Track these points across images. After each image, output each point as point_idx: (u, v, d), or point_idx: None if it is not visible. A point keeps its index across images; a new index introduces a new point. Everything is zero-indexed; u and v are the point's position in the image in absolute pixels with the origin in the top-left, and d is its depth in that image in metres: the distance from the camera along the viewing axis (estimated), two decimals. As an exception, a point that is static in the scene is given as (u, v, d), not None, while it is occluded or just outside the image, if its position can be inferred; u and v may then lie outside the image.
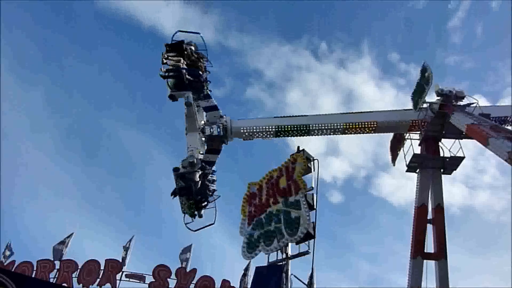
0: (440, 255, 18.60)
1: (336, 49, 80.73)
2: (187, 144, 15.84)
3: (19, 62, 60.57)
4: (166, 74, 15.72)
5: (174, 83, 15.80)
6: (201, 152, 16.68)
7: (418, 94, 18.87)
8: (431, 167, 19.40)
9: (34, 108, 58.64)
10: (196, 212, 14.61)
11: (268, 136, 18.15)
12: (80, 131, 63.48)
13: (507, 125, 18.46)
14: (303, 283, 8.30)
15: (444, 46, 74.13)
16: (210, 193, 16.54)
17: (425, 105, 18.71)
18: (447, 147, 19.31)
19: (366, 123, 18.22)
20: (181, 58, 15.88)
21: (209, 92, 18.06)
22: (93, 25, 65.28)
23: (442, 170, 19.50)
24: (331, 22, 76.76)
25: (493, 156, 16.33)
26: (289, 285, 8.11)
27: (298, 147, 9.90)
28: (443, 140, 19.33)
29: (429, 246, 19.17)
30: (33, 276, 21.71)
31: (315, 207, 8.85)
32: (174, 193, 14.60)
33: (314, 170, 9.54)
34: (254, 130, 18.10)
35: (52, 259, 23.23)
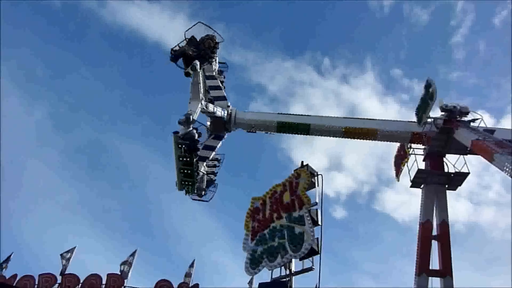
0: (446, 272, 18.33)
1: (339, 64, 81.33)
2: (188, 110, 16.42)
3: (26, 78, 61.49)
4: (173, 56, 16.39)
5: (184, 62, 16.65)
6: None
7: (422, 109, 18.88)
8: (436, 183, 19.30)
9: (38, 123, 59.11)
10: (187, 186, 15.32)
11: (270, 130, 18.63)
12: (84, 146, 63.89)
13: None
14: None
15: (447, 62, 74.49)
16: (212, 180, 17.76)
17: (429, 120, 18.71)
18: (452, 162, 19.24)
19: (367, 130, 18.24)
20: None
21: (221, 84, 19.35)
22: (98, 41, 66.29)
23: (446, 186, 19.39)
24: (334, 38, 77.59)
25: (497, 172, 16.24)
26: (292, 301, 7.98)
27: (302, 162, 9.88)
28: (447, 155, 19.28)
29: (434, 263, 18.95)
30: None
31: (319, 222, 8.78)
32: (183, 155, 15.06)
33: (318, 185, 9.48)
34: (257, 123, 18.72)
35: (53, 273, 23.10)
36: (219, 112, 18.04)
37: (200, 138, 17.41)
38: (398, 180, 21.98)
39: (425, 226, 19.06)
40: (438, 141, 18.05)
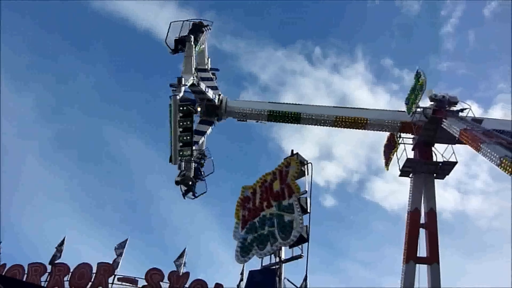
0: (433, 259, 18.69)
1: (330, 54, 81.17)
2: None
3: (11, 65, 60.29)
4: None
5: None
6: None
7: (412, 99, 19.02)
8: (424, 172, 19.55)
9: (25, 113, 58.21)
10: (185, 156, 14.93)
11: (261, 119, 18.71)
12: (73, 136, 63.21)
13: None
14: (296, 286, 8.26)
15: (437, 52, 74.92)
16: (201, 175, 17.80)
17: (418, 110, 18.87)
18: (440, 152, 19.50)
19: (356, 119, 18.35)
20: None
21: (212, 75, 19.50)
22: (87, 27, 65.16)
23: (435, 175, 19.67)
24: (325, 27, 77.33)
25: (485, 161, 16.55)
26: (282, 288, 8.07)
27: (292, 151, 9.92)
28: (436, 145, 19.52)
29: (422, 251, 19.30)
30: (24, 280, 21.46)
31: (308, 210, 8.85)
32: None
33: (307, 174, 9.54)
34: (248, 112, 18.76)
35: (43, 263, 23.01)
36: (211, 93, 18.11)
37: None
38: (387, 169, 22.20)
39: (413, 214, 19.35)
40: (427, 131, 18.23)
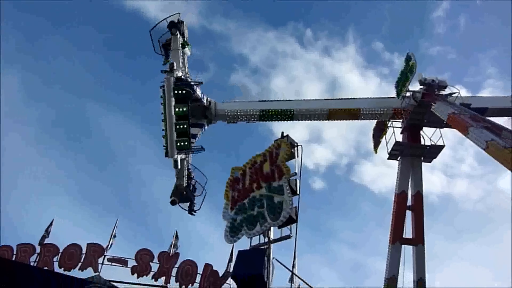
0: (418, 240, 19.16)
1: (321, 36, 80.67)
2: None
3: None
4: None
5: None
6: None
7: (402, 82, 19.11)
8: (412, 155, 19.82)
9: (9, 93, 57.03)
10: (182, 146, 14.02)
11: (252, 119, 18.13)
12: (61, 116, 62.26)
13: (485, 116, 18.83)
14: (285, 266, 8.43)
15: (428, 37, 74.94)
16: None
17: (408, 94, 18.99)
18: (428, 135, 19.73)
19: (350, 110, 18.19)
20: None
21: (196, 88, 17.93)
22: (73, 7, 63.49)
23: (422, 158, 19.96)
24: (317, 9, 76.56)
25: (471, 146, 16.82)
26: (270, 268, 8.21)
27: (282, 133, 9.92)
28: (424, 128, 19.73)
29: (408, 232, 19.75)
30: (13, 259, 21.46)
31: (298, 192, 8.93)
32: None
33: (297, 156, 9.58)
34: (238, 114, 18.11)
35: (32, 243, 22.99)
36: (199, 92, 16.91)
37: None
38: (376, 153, 22.47)
39: (400, 196, 19.70)
40: (416, 115, 18.40)
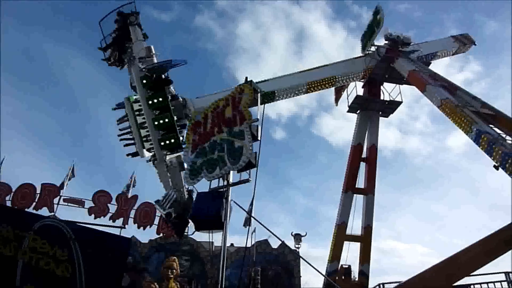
0: (369, 190, 20.31)
1: (292, -17, 78.15)
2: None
3: None
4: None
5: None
6: None
7: (368, 36, 19.16)
8: (371, 109, 20.41)
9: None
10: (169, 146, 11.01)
11: None
12: (15, 56, 57.95)
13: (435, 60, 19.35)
14: (243, 209, 8.70)
15: (397, -7, 74.65)
16: None
17: (373, 48, 19.14)
18: (388, 91, 20.27)
19: (327, 79, 17.75)
20: None
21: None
22: None
23: (380, 113, 20.62)
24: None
25: (426, 104, 17.69)
26: (228, 210, 8.44)
27: (246, 78, 9.76)
28: (384, 84, 20.20)
29: (360, 182, 20.85)
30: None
31: (258, 138, 8.99)
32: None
33: (260, 103, 9.56)
34: None
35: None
36: (172, 88, 13.96)
37: None
38: (337, 105, 22.89)
39: (356, 148, 20.51)
40: (378, 69, 18.68)
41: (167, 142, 10.78)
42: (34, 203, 22.28)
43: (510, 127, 12.95)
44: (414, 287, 6.73)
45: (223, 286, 7.89)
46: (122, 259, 8.39)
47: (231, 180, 8.95)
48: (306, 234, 22.19)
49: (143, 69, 11.00)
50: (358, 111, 20.61)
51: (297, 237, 21.87)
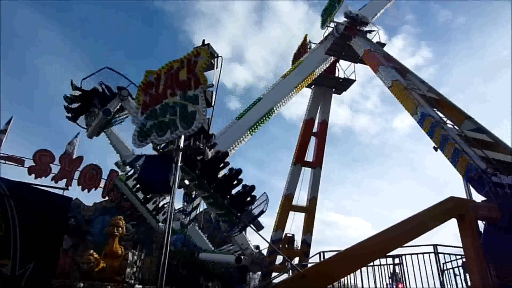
0: (317, 164, 20.95)
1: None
2: None
3: None
4: None
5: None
6: None
7: (328, 12, 19.22)
8: (325, 85, 20.76)
9: None
10: None
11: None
12: None
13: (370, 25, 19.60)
14: (192, 174, 8.60)
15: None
16: None
17: (332, 25, 19.26)
18: (343, 68, 20.67)
19: (310, 76, 17.41)
20: None
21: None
22: None
23: (333, 90, 21.04)
24: None
25: (377, 85, 18.35)
26: (177, 174, 8.31)
27: (203, 41, 9.45)
28: (340, 62, 20.54)
29: (309, 156, 21.44)
30: None
31: (212, 104, 8.84)
32: None
33: (216, 67, 9.31)
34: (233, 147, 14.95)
35: None
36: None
37: None
38: (293, 78, 22.95)
39: (308, 123, 20.92)
40: (335, 46, 18.87)
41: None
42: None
43: (451, 112, 13.72)
44: (352, 253, 7.12)
45: (167, 251, 7.86)
46: (63, 220, 8.03)
47: (181, 144, 8.77)
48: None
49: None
50: (313, 86, 20.88)
51: (245, 206, 22.22)
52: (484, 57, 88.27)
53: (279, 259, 19.55)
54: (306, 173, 21.32)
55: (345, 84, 20.45)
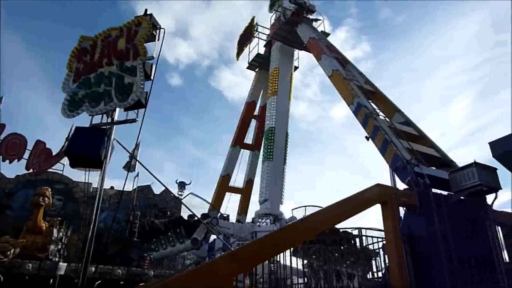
0: (256, 147, 21.17)
1: None
2: None
3: None
4: None
5: None
6: None
7: (277, -4, 19.20)
8: (269, 69, 20.84)
9: None
10: None
11: None
12: None
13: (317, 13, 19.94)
14: (126, 149, 8.23)
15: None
16: None
17: (279, 9, 19.28)
18: (287, 54, 20.80)
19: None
20: None
21: None
22: None
23: (277, 74, 21.19)
24: None
25: (318, 74, 18.72)
26: (109, 149, 7.92)
27: (146, 10, 8.96)
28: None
29: (249, 139, 21.60)
30: None
31: (152, 78, 8.47)
32: None
33: (158, 40, 8.90)
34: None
35: None
36: None
37: None
38: (238, 60, 22.85)
39: (250, 105, 20.98)
40: (281, 31, 18.94)
41: None
42: None
43: (384, 104, 14.47)
44: (283, 235, 7.35)
45: (95, 228, 7.53)
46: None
47: (116, 118, 8.36)
48: (190, 182, 22.45)
49: None
50: (257, 69, 20.90)
51: (182, 185, 22.01)
52: (419, 55, 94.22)
53: (212, 238, 19.70)
54: (245, 155, 21.50)
55: (288, 70, 20.67)
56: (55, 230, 16.67)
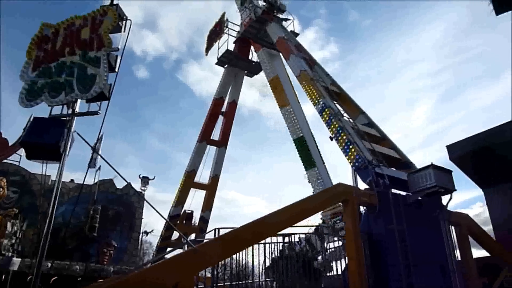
0: (223, 143, 21.15)
1: None
2: None
3: None
4: None
5: None
6: None
7: (249, -7, 19.20)
8: (238, 66, 20.86)
9: None
10: None
11: None
12: None
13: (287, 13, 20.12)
14: (87, 142, 7.96)
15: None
16: None
17: (250, 6, 19.30)
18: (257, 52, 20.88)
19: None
20: None
21: None
22: None
23: (246, 72, 21.26)
24: None
25: (289, 73, 18.64)
26: (69, 141, 7.65)
27: (112, 0, 8.72)
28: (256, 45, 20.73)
29: (216, 135, 21.53)
30: None
31: (116, 70, 8.25)
32: None
33: (124, 31, 8.68)
34: None
35: None
36: None
37: None
38: (207, 55, 22.67)
39: (217, 101, 20.90)
40: (251, 28, 18.98)
41: None
42: None
43: (349, 106, 14.82)
44: (246, 231, 7.39)
45: (52, 221, 7.26)
46: None
47: (77, 109, 8.08)
48: (154, 177, 22.11)
49: None
50: (226, 65, 20.84)
51: (145, 180, 21.63)
52: (385, 58, 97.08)
53: (176, 235, 19.50)
54: (211, 151, 21.41)
55: (257, 68, 20.76)
56: (9, 224, 15.97)
